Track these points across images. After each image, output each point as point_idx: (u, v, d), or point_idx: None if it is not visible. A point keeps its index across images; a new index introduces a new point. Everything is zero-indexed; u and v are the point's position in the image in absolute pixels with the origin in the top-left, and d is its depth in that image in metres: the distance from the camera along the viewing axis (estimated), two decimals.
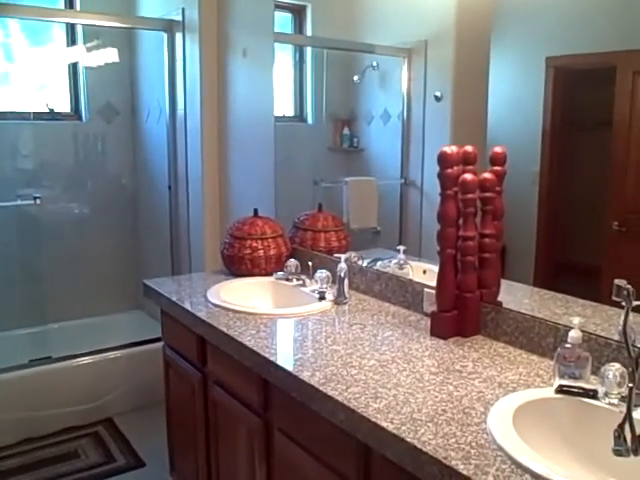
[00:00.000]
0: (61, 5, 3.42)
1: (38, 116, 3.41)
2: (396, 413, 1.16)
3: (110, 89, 3.53)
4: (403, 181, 2.09)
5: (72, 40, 3.49)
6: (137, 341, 3.11)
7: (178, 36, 2.97)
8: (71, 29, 3.47)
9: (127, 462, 2.64)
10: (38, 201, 2.95)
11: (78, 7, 3.37)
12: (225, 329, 1.65)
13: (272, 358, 1.44)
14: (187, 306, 1.89)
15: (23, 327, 3.33)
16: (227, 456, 1.81)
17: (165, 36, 3.02)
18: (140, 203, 3.66)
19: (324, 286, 1.93)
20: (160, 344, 2.23)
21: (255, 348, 1.50)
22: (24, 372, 2.83)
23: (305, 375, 1.32)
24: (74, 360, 2.95)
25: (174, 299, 1.96)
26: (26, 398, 2.81)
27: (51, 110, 3.50)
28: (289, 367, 1.38)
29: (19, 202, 2.97)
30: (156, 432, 2.48)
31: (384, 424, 1.12)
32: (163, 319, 2.13)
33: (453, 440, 1.07)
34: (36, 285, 3.42)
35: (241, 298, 1.96)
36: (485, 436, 1.08)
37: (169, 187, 3.15)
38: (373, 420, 1.14)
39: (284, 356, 1.46)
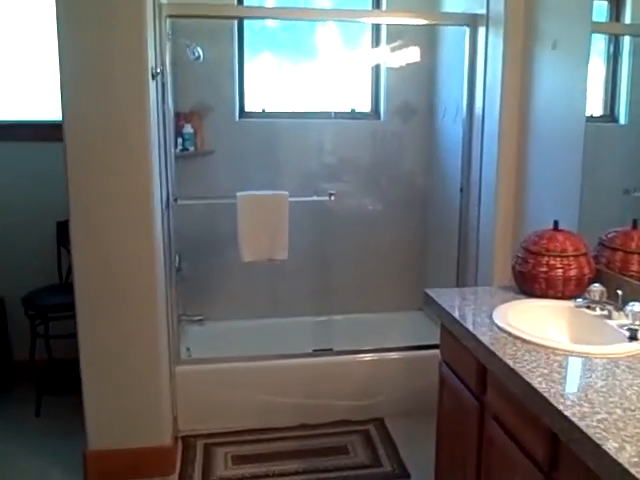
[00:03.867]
0: (369, 6, 3.49)
1: (340, 115, 3.54)
2: None
3: (408, 88, 3.51)
4: None
5: (377, 41, 3.54)
6: (416, 345, 3.03)
7: (481, 30, 2.80)
8: (376, 30, 3.52)
9: (393, 469, 2.59)
10: (332, 197, 3.05)
11: (384, 7, 3.41)
12: (511, 362, 1.44)
13: (566, 412, 1.19)
14: (469, 326, 1.72)
15: (310, 315, 3.50)
16: None
17: (467, 31, 2.87)
18: (430, 204, 3.58)
19: (637, 322, 1.60)
20: (438, 351, 2.11)
21: (545, 394, 1.27)
22: (307, 360, 2.96)
23: (610, 447, 1.05)
24: (353, 356, 3.00)
25: (455, 315, 1.81)
26: (306, 385, 2.93)
27: (352, 110, 3.61)
28: (587, 429, 1.12)
29: (315, 198, 3.11)
30: (425, 443, 2.36)
31: None
32: (442, 333, 2.00)
33: None
34: (325, 277, 3.57)
35: (531, 324, 1.72)
36: None
37: (461, 189, 3.00)
38: None
39: (581, 412, 1.19)
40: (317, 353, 2.99)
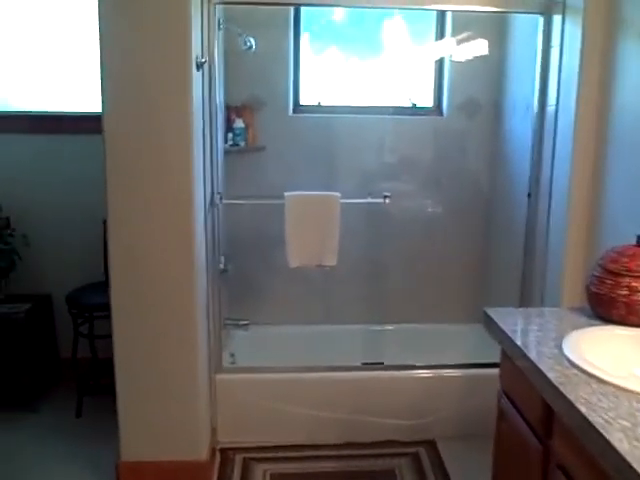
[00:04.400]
0: None
1: (400, 111, 3.33)
2: None
3: (474, 83, 3.26)
4: None
5: (441, 33, 3.31)
6: (474, 363, 2.79)
7: (556, 19, 2.53)
8: (441, 21, 3.29)
9: None
10: (387, 200, 2.83)
11: None
12: (583, 409, 1.20)
13: None
14: (533, 356, 1.48)
15: (361, 322, 3.31)
16: None
17: (541, 20, 2.60)
18: (494, 209, 3.32)
19: None
20: (498, 372, 1.88)
21: (628, 457, 1.03)
22: (356, 374, 2.78)
23: None
24: (405, 371, 2.79)
25: (518, 342, 1.58)
26: (354, 401, 2.75)
27: (413, 105, 3.39)
28: None
29: (369, 200, 2.89)
30: (479, 471, 2.12)
31: None
32: (503, 359, 1.77)
33: None
34: (377, 283, 3.37)
35: (610, 358, 1.47)
36: None
37: (528, 195, 2.73)
38: None
39: None
40: (367, 367, 2.79)
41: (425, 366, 2.80)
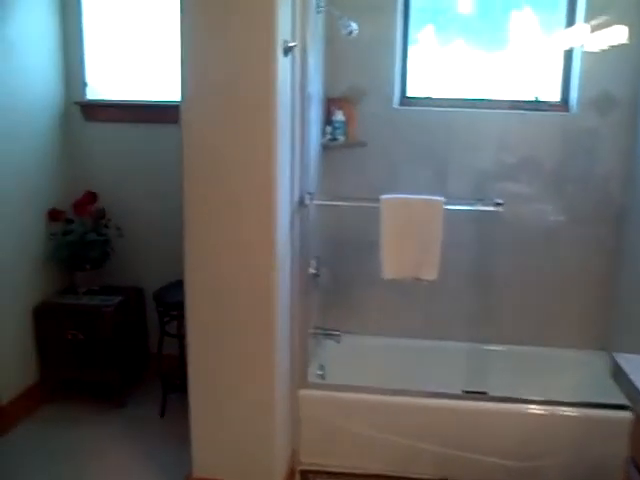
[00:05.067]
0: None
1: (520, 105, 2.94)
2: None
3: (609, 75, 2.79)
4: None
5: (571, 19, 2.88)
6: (597, 403, 2.39)
7: None
8: (572, 6, 2.86)
9: None
10: (500, 208, 2.45)
11: None
12: None
13: None
14: None
15: (463, 340, 2.97)
16: None
17: None
18: (628, 220, 2.84)
19: None
20: (626, 415, 1.51)
21: None
22: (456, 403, 2.46)
23: None
24: (513, 404, 2.43)
25: None
26: (452, 432, 2.45)
27: (536, 98, 2.99)
28: None
29: (480, 207, 2.52)
30: None
31: None
32: (635, 422, 1.41)
33: None
34: (485, 298, 3.00)
35: None
36: None
37: None
38: None
39: None
40: (468, 396, 2.46)
41: (537, 401, 2.42)
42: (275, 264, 2.10)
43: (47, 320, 3.03)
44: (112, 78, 3.27)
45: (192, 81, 1.97)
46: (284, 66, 2.02)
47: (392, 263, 2.47)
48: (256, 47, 1.91)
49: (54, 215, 3.12)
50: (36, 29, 2.97)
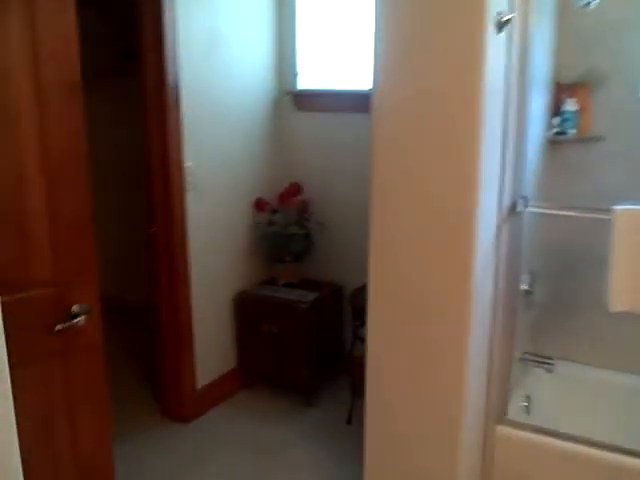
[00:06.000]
0: None
1: None
2: None
3: None
4: None
5: None
6: None
7: None
8: None
9: None
10: None
11: None
12: None
13: None
14: None
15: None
16: None
17: None
18: None
19: None
20: None
21: None
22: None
23: None
24: None
25: None
26: None
27: None
28: None
29: None
30: None
31: None
32: None
33: None
34: None
35: None
36: None
37: None
38: None
39: None
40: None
41: None
42: (471, 277, 1.77)
43: (245, 309, 3.05)
44: (319, 68, 3.18)
45: (385, 64, 1.73)
46: (497, 45, 1.66)
47: (621, 291, 1.95)
48: (459, 22, 1.59)
49: (260, 205, 3.11)
50: (255, 23, 3.00)
